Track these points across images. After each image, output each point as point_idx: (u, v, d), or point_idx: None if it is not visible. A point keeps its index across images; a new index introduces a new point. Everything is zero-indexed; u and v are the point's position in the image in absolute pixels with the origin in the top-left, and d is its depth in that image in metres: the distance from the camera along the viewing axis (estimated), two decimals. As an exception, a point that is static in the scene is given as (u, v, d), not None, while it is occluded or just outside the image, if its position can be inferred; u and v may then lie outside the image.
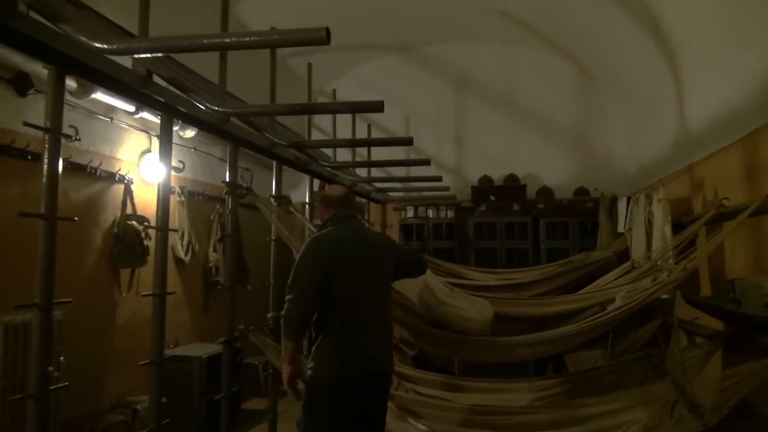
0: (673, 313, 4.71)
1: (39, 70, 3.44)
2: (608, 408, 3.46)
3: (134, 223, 4.68)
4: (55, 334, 3.51)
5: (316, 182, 6.15)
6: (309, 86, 4.98)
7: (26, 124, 2.32)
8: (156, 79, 2.82)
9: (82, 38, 2.09)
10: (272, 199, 4.27)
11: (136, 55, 2.46)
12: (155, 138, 4.83)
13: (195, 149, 5.72)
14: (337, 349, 2.82)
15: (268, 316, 4.26)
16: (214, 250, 5.97)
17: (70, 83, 3.72)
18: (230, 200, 3.78)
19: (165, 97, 2.79)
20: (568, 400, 3.91)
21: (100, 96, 4.01)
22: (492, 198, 6.86)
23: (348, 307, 2.84)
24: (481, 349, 3.75)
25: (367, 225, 6.38)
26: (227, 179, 3.74)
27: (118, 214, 4.60)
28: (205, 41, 2.13)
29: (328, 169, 5.23)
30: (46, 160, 2.26)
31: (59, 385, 2.29)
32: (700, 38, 4.08)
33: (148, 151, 4.95)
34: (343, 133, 6.04)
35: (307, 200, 5.62)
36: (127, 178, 4.65)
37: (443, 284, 4.20)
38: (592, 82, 6.97)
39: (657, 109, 5.43)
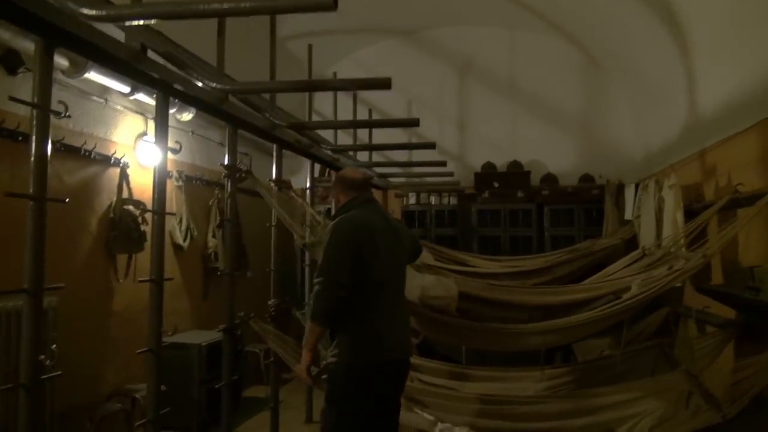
0: (682, 302, 4.63)
1: (29, 47, 3.30)
2: (620, 398, 3.36)
3: (131, 207, 4.56)
4: (49, 322, 3.43)
5: (317, 168, 6.04)
6: (309, 67, 4.84)
7: (12, 99, 2.18)
8: (151, 55, 2.69)
9: (69, 3, 1.95)
10: (272, 184, 4.15)
11: (127, 23, 2.30)
12: (151, 121, 4.69)
13: (193, 133, 5.58)
14: (366, 335, 2.71)
15: (269, 303, 4.16)
16: (213, 236, 5.85)
17: (62, 61, 3.58)
18: (229, 184, 3.65)
19: (160, 73, 2.65)
20: (577, 389, 3.82)
21: (94, 76, 3.86)
22: (495, 185, 6.78)
23: (376, 292, 2.73)
24: (490, 338, 3.64)
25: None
26: (226, 162, 3.62)
27: (114, 199, 4.47)
28: (201, 7, 2.00)
29: (329, 153, 5.10)
30: (34, 138, 2.13)
31: (52, 375, 2.17)
32: (712, 21, 3.96)
33: (144, 134, 4.82)
34: (344, 117, 5.90)
35: (307, 185, 5.51)
36: (122, 161, 4.51)
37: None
38: (598, 68, 6.84)
39: (666, 95, 5.30)
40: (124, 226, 4.49)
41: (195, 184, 5.66)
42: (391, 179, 6.75)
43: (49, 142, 2.19)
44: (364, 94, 6.57)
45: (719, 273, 4.14)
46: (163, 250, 2.87)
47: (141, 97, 4.38)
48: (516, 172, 6.86)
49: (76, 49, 2.34)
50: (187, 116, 5.10)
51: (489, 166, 6.96)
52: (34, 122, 2.14)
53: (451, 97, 7.31)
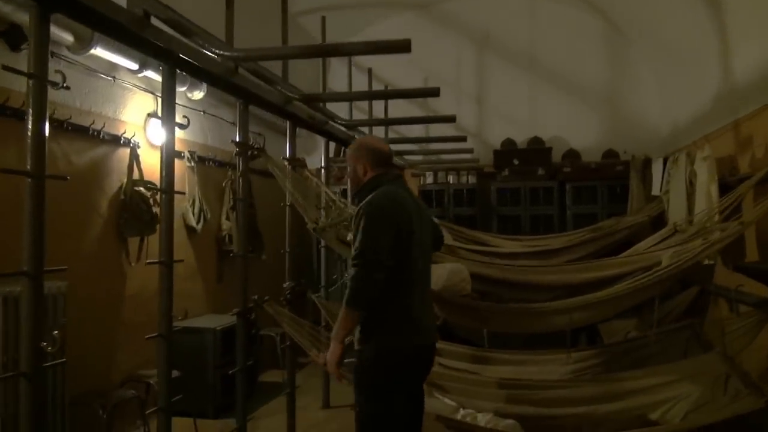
0: (712, 280, 4.43)
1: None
2: (652, 382, 3.20)
3: (142, 189, 4.44)
4: (59, 307, 3.33)
5: (332, 148, 5.88)
6: (323, 39, 4.66)
7: (6, 68, 2.04)
8: (156, 24, 2.54)
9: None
10: (286, 162, 4.00)
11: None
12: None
13: (204, 112, 5.44)
14: (403, 319, 2.53)
15: (284, 285, 4.04)
16: (227, 218, 5.74)
17: (67, 36, 3.44)
18: (241, 162, 3.51)
19: (165, 42, 2.49)
20: (605, 373, 3.65)
21: (101, 52, 3.72)
22: (515, 162, 6.59)
23: (410, 275, 2.55)
24: (513, 319, 3.48)
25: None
26: (237, 139, 3.47)
27: (125, 180, 4.35)
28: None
29: (344, 130, 4.94)
30: (30, 110, 1.99)
31: (55, 362, 2.05)
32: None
33: (155, 113, 4.68)
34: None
35: (322, 164, 5.36)
36: (133, 141, 4.38)
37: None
38: (622, 37, 6.57)
39: (695, 63, 5.05)
40: (136, 208, 4.38)
41: (208, 165, 5.54)
42: (408, 157, 6.57)
43: (47, 115, 2.05)
44: (380, 71, 6.37)
45: (754, 250, 3.94)
46: (172, 230, 2.74)
47: (150, 74, 4.25)
48: (537, 149, 6.65)
49: (74, 15, 2.19)
50: (198, 95, 4.97)
51: (509, 143, 6.76)
52: (31, 93, 1.99)
53: (469, 72, 7.09)
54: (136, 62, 4.04)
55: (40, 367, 1.94)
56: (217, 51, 2.69)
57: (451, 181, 6.87)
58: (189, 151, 5.21)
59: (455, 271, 3.91)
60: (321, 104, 4.49)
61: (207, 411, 4.67)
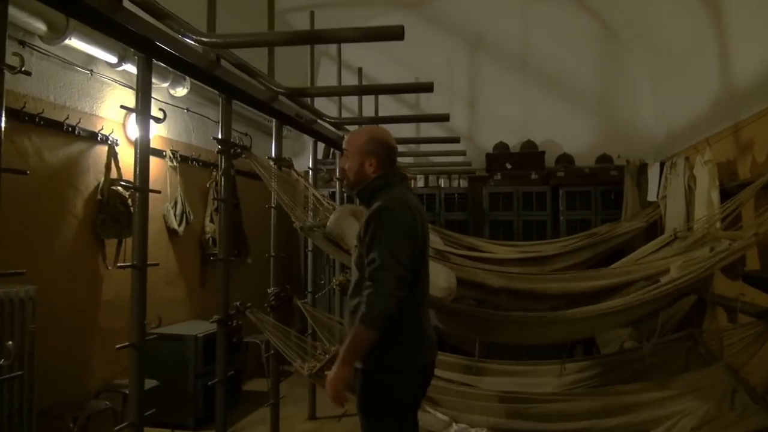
0: (710, 289, 4.31)
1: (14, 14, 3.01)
2: (654, 396, 3.05)
3: (120, 189, 4.23)
4: (27, 312, 3.11)
5: (320, 150, 5.70)
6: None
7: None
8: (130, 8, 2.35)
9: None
10: (272, 162, 3.82)
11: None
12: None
13: (188, 110, 5.25)
14: (415, 336, 2.29)
15: (269, 291, 3.85)
16: (211, 221, 5.53)
17: (39, 25, 3.25)
18: (223, 160, 3.32)
19: (141, 29, 2.31)
20: (602, 385, 3.50)
21: (77, 43, 3.53)
22: (508, 166, 6.45)
23: (418, 286, 2.30)
24: (509, 329, 3.29)
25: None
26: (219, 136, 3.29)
27: (102, 179, 4.15)
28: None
29: (333, 129, 4.76)
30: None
31: (12, 375, 1.85)
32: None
33: (132, 107, 4.48)
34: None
35: (310, 166, 5.18)
36: (111, 138, 4.18)
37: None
38: (617, 40, 6.46)
39: (692, 66, 4.93)
40: (113, 209, 4.17)
41: (191, 165, 5.33)
42: (398, 160, 6.40)
43: (3, 104, 1.85)
44: (370, 71, 6.21)
45: (755, 258, 3.81)
46: (146, 231, 2.55)
47: (130, 68, 4.03)
48: (530, 153, 6.51)
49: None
50: (182, 91, 4.76)
51: (501, 147, 6.62)
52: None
53: (461, 74, 6.94)
54: (114, 55, 3.84)
55: (-10, 382, 1.74)
56: (194, 37, 2.50)
57: (442, 185, 6.73)
58: (171, 150, 5.01)
59: (450, 276, 3.73)
60: (309, 101, 4.31)
61: (187, 422, 4.46)
